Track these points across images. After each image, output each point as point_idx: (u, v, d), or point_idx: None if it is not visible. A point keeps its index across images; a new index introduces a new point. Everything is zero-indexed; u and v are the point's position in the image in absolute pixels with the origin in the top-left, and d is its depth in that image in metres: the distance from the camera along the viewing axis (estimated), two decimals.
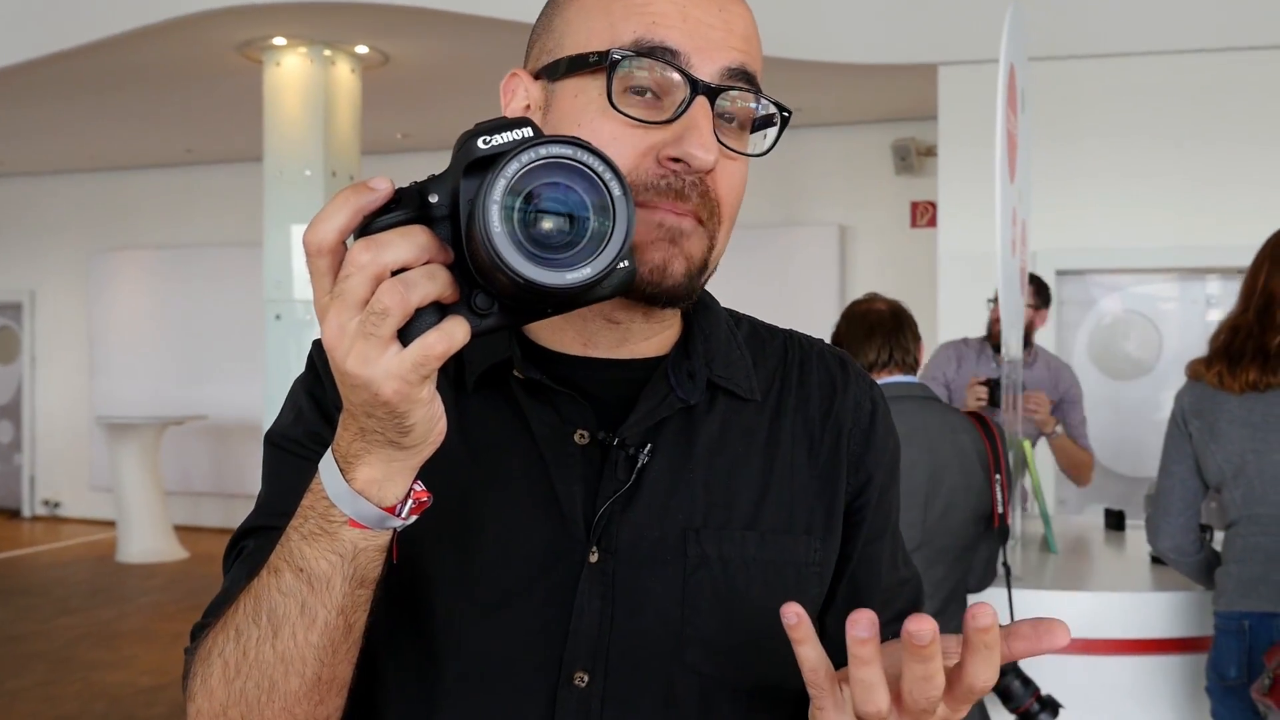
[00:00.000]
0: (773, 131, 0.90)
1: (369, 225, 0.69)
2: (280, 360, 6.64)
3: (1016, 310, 3.36)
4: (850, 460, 0.98)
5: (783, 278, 8.47)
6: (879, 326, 2.70)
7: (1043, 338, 6.33)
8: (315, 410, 0.95)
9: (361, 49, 6.73)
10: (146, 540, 8.91)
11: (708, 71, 0.84)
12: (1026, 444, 3.32)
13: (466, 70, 7.30)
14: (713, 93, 0.84)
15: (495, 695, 0.86)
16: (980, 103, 6.27)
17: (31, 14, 6.69)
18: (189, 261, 10.46)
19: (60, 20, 6.56)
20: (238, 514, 10.53)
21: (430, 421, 0.72)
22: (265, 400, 6.72)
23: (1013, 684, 2.42)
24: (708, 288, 0.99)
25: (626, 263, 0.70)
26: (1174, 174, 6.34)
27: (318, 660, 0.78)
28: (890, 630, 0.94)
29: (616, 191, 0.67)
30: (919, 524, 2.48)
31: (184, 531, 9.58)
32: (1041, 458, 4.22)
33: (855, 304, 2.83)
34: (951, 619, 2.44)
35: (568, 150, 0.67)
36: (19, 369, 11.51)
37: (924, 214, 8.45)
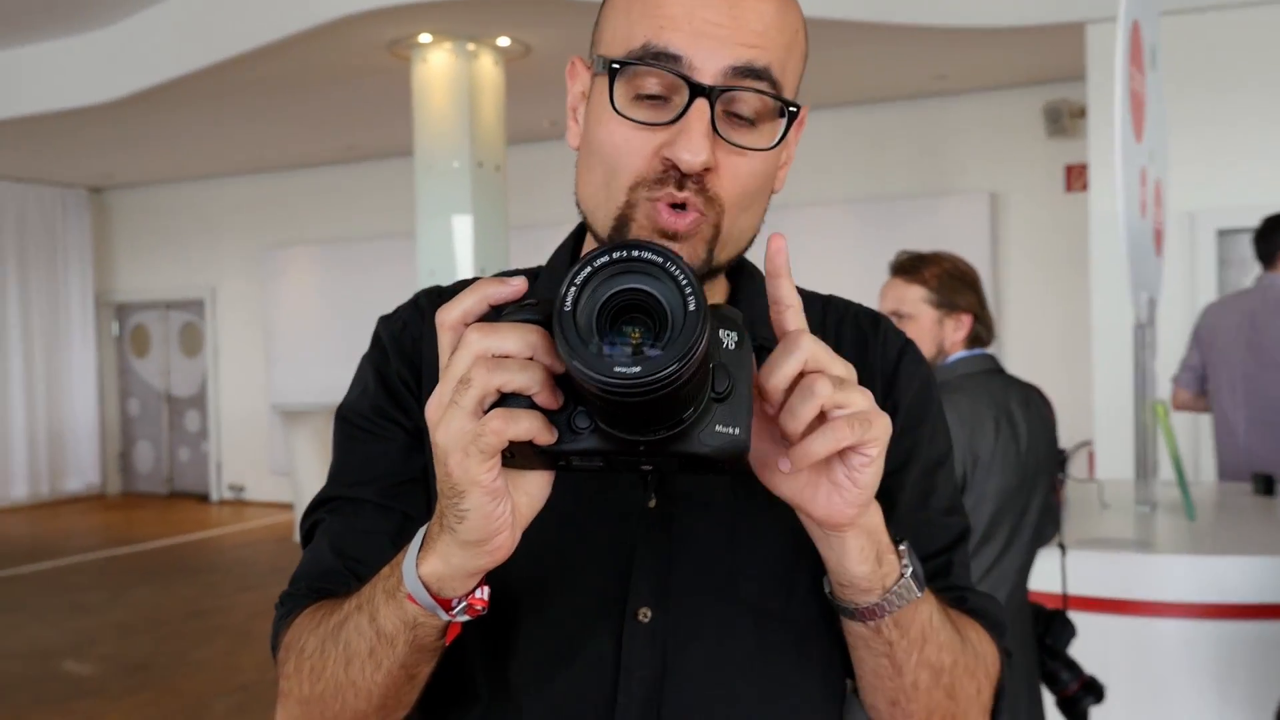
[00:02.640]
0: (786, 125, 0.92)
1: (499, 316, 0.74)
2: None
3: (1148, 277, 3.28)
4: (880, 400, 1.02)
5: (933, 248, 8.31)
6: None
7: (1205, 301, 6.10)
8: (381, 386, 1.01)
9: (504, 41, 6.91)
10: None
11: (711, 72, 0.87)
12: (1160, 408, 3.24)
13: None
14: (710, 94, 0.87)
15: (565, 631, 0.93)
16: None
17: (195, 27, 7.12)
18: (351, 254, 10.93)
19: (220, 31, 6.95)
20: None
21: (487, 518, 0.74)
22: None
23: (1060, 670, 2.41)
24: (756, 261, 1.03)
25: (738, 430, 0.73)
26: None
27: (382, 694, 0.87)
28: (926, 569, 0.99)
29: (692, 306, 0.67)
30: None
31: None
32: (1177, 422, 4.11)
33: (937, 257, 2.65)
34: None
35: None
36: (203, 362, 12.22)
37: (1079, 178, 8.18)
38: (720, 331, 0.74)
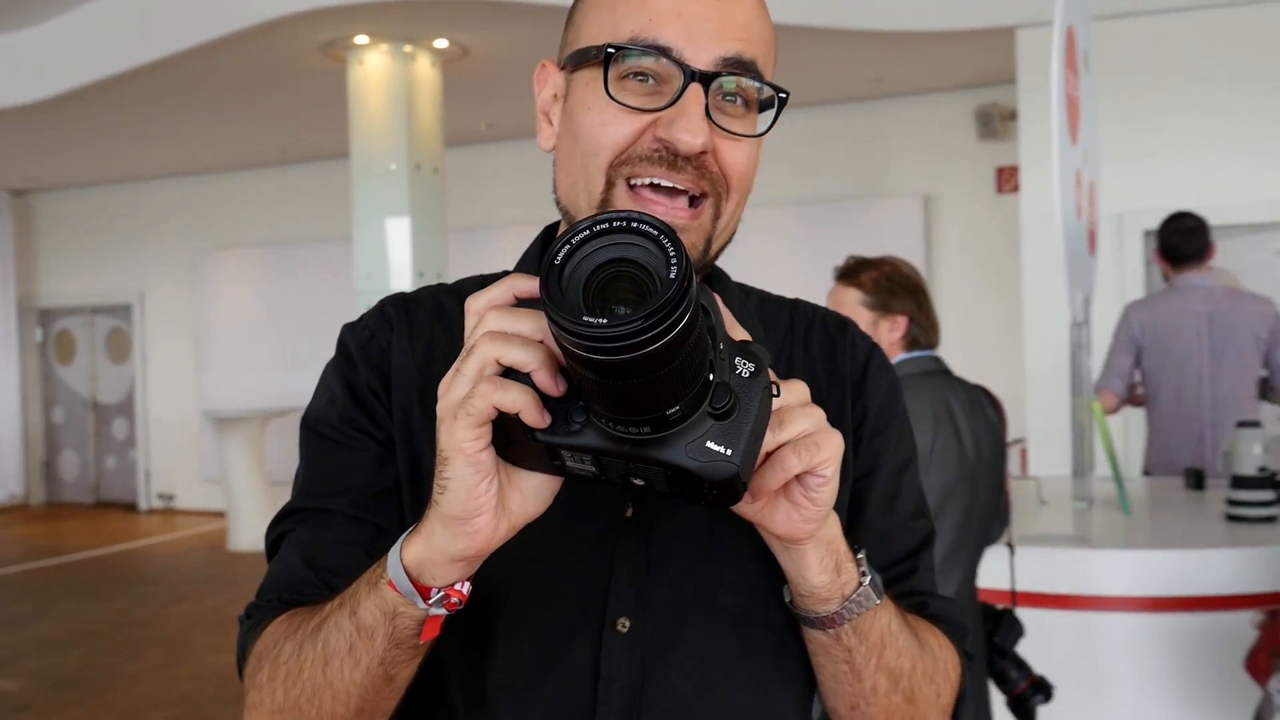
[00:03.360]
0: (773, 113, 0.95)
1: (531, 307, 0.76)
2: None
3: (1083, 276, 3.34)
4: (850, 404, 1.04)
5: (866, 250, 8.34)
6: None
7: (1132, 298, 6.23)
8: (349, 395, 0.99)
9: (441, 43, 6.87)
10: (255, 529, 9.22)
11: (702, 61, 0.89)
12: (1096, 405, 3.31)
13: (544, 58, 7.40)
14: (707, 79, 0.89)
15: (544, 641, 0.93)
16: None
17: (129, 26, 6.99)
18: (286, 257, 10.79)
19: (152, 31, 6.84)
20: None
21: (469, 491, 0.75)
22: None
23: (1009, 669, 2.46)
24: (725, 266, 1.05)
25: (730, 452, 0.72)
26: (1256, 126, 6.17)
27: (360, 696, 0.85)
28: (890, 574, 1.00)
29: (673, 274, 0.67)
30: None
31: None
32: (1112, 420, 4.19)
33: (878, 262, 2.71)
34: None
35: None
36: (131, 368, 11.99)
37: (1009, 180, 8.32)
38: (736, 359, 0.74)
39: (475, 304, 0.77)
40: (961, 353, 8.12)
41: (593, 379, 0.68)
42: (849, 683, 0.92)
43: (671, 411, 0.71)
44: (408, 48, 6.82)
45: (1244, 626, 2.64)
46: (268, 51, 6.86)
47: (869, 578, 0.88)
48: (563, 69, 0.97)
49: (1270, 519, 3.09)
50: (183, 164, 10.77)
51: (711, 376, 0.72)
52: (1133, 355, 4.20)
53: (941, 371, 2.58)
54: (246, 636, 0.95)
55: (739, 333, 0.79)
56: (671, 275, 0.66)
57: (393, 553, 0.81)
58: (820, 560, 0.85)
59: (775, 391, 0.76)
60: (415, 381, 1.00)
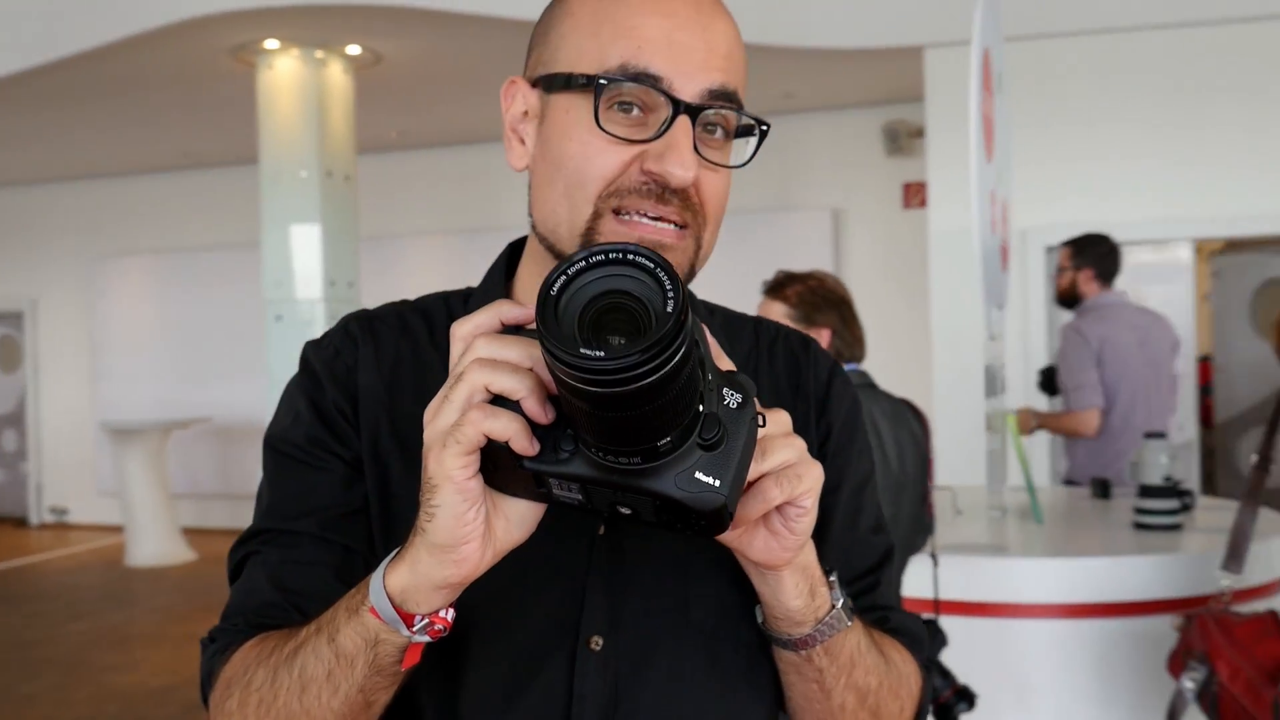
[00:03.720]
0: (753, 141, 0.95)
1: (518, 333, 0.76)
2: (282, 360, 6.71)
3: (997, 291, 3.43)
4: (815, 420, 1.05)
5: (776, 263, 8.39)
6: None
7: (1035, 313, 6.41)
8: (315, 415, 0.98)
9: (354, 49, 6.79)
10: (155, 544, 9.00)
11: (690, 92, 0.89)
12: (1011, 417, 3.39)
13: (459, 67, 7.36)
14: (694, 112, 0.89)
15: (518, 660, 0.92)
16: (967, 83, 6.34)
17: (27, 24, 6.76)
18: (189, 265, 10.53)
19: (56, 29, 6.63)
20: (245, 515, 10.48)
21: (457, 519, 0.75)
22: (268, 400, 6.79)
23: (934, 677, 2.51)
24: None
25: (719, 484, 0.73)
26: (1153, 148, 6.41)
27: None
28: (853, 589, 1.02)
29: (669, 307, 0.67)
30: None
31: (192, 534, 9.67)
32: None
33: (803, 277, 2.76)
34: None
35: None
36: (22, 378, 11.59)
37: (915, 195, 8.50)
38: (724, 389, 0.75)
39: (461, 329, 0.77)
40: (870, 364, 8.29)
41: (585, 409, 0.69)
42: (818, 701, 0.93)
43: (663, 442, 0.71)
44: (319, 53, 6.72)
45: (1158, 630, 2.73)
46: (173, 53, 6.71)
47: (841, 601, 0.89)
48: (534, 86, 0.96)
49: (1175, 527, 3.20)
50: (80, 167, 10.45)
51: (701, 407, 0.73)
52: (1100, 370, 4.31)
53: (867, 385, 2.62)
54: (213, 661, 0.93)
55: (725, 362, 0.79)
56: (668, 309, 0.66)
57: (374, 579, 0.80)
58: (796, 585, 0.86)
59: (761, 422, 0.77)
60: (383, 400, 0.99)
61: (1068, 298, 4.44)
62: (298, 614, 0.92)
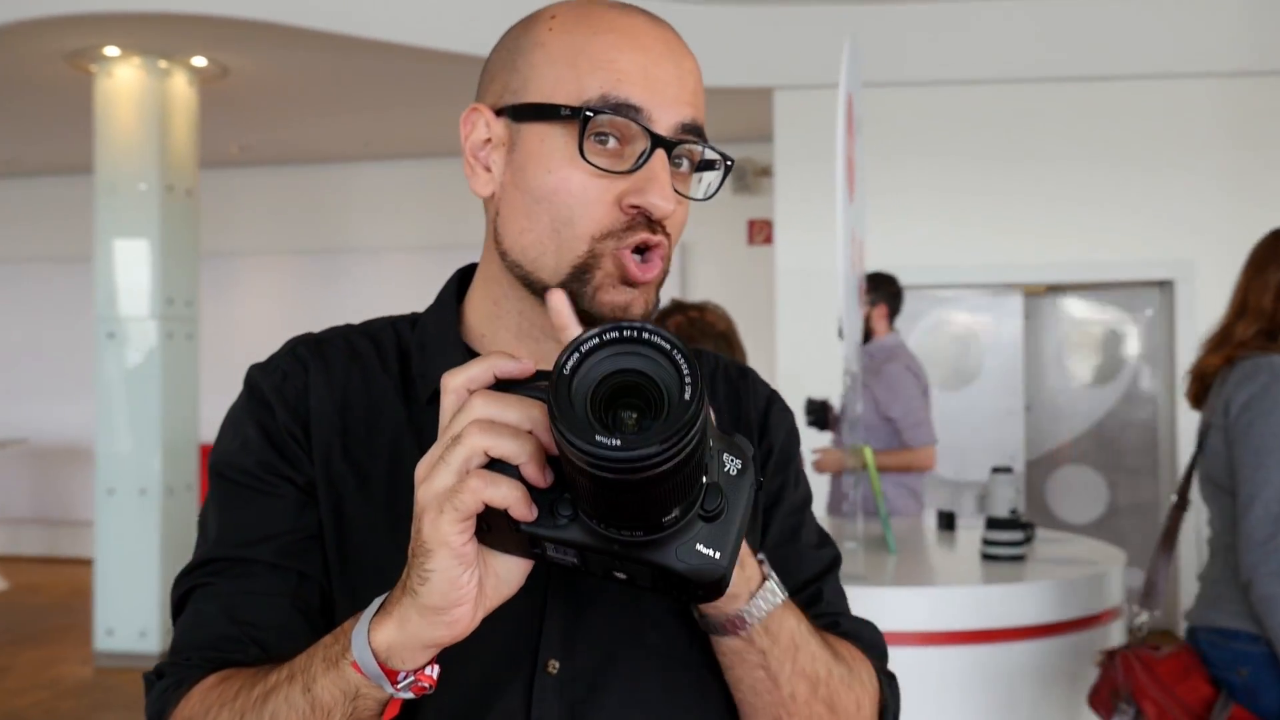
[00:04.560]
0: (715, 175, 0.99)
1: (512, 389, 0.74)
2: (113, 380, 6.43)
3: (856, 327, 3.55)
4: (756, 444, 1.07)
5: None
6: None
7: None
8: (265, 440, 0.96)
9: (199, 61, 6.59)
10: None
11: (665, 125, 0.91)
12: (867, 450, 3.51)
13: (308, 84, 7.22)
14: (669, 146, 0.91)
15: (475, 686, 0.91)
16: (814, 125, 6.56)
17: None
18: (9, 278, 9.98)
19: None
20: (62, 542, 10.11)
21: (451, 583, 0.74)
22: (97, 421, 6.49)
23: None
24: None
25: (719, 555, 0.72)
26: (983, 195, 6.77)
27: None
28: (799, 598, 1.04)
29: (688, 394, 0.66)
30: None
31: (3, 561, 9.13)
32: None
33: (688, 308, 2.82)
34: None
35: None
36: None
37: (760, 232, 8.72)
38: (724, 455, 0.75)
39: (454, 381, 0.76)
40: None
41: (591, 487, 0.68)
42: (768, 691, 0.92)
43: (667, 518, 0.71)
44: (163, 63, 6.50)
45: (1017, 657, 2.85)
46: (3, 55, 6.38)
47: (772, 575, 0.90)
48: (500, 114, 0.96)
49: (1019, 557, 3.35)
50: None
51: (705, 478, 0.73)
52: (923, 403, 4.48)
53: None
54: (165, 697, 0.89)
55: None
56: (687, 396, 0.66)
57: (357, 634, 0.78)
58: None
59: (759, 487, 0.77)
60: (335, 425, 0.97)
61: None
62: (255, 647, 0.89)
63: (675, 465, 0.66)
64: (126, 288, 6.43)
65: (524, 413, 0.73)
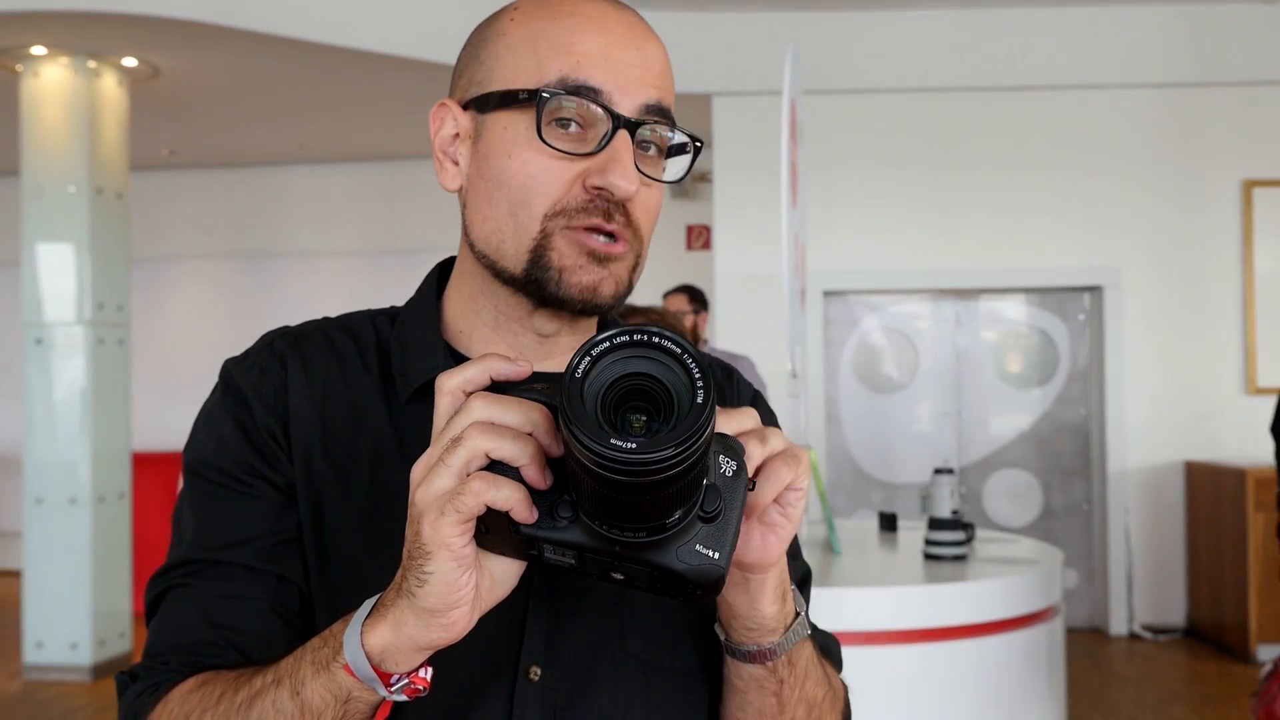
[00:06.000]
0: (684, 160, 0.97)
1: (508, 391, 0.74)
2: (40, 386, 6.28)
3: (799, 331, 3.58)
4: None
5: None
6: None
7: (812, 354, 6.69)
8: (244, 439, 0.94)
9: (130, 61, 6.46)
10: None
11: (627, 107, 0.90)
12: (813, 454, 3.53)
13: (241, 86, 7.12)
14: (632, 126, 0.90)
15: (457, 694, 0.89)
16: (753, 131, 6.61)
17: None
18: None
19: None
20: None
21: (450, 586, 0.73)
22: (25, 429, 6.33)
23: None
24: None
25: (718, 556, 0.73)
26: (918, 201, 6.87)
27: None
28: None
29: (700, 398, 0.67)
30: None
31: None
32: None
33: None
34: None
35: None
36: None
37: (699, 237, 8.76)
38: (721, 457, 0.75)
39: (449, 383, 0.75)
40: None
41: (596, 489, 0.68)
42: (772, 715, 0.93)
43: (670, 520, 0.72)
44: (92, 63, 6.36)
45: (961, 654, 2.88)
46: None
47: (803, 608, 0.90)
48: (466, 109, 0.96)
49: (961, 557, 3.40)
50: None
51: (705, 480, 0.74)
52: None
53: None
54: (140, 701, 0.87)
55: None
56: (699, 400, 0.67)
57: (349, 636, 0.77)
58: (775, 589, 0.84)
59: (751, 486, 0.77)
60: (316, 424, 0.95)
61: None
62: (234, 652, 0.88)
63: (686, 468, 0.67)
64: (54, 293, 6.29)
65: (524, 415, 0.73)
